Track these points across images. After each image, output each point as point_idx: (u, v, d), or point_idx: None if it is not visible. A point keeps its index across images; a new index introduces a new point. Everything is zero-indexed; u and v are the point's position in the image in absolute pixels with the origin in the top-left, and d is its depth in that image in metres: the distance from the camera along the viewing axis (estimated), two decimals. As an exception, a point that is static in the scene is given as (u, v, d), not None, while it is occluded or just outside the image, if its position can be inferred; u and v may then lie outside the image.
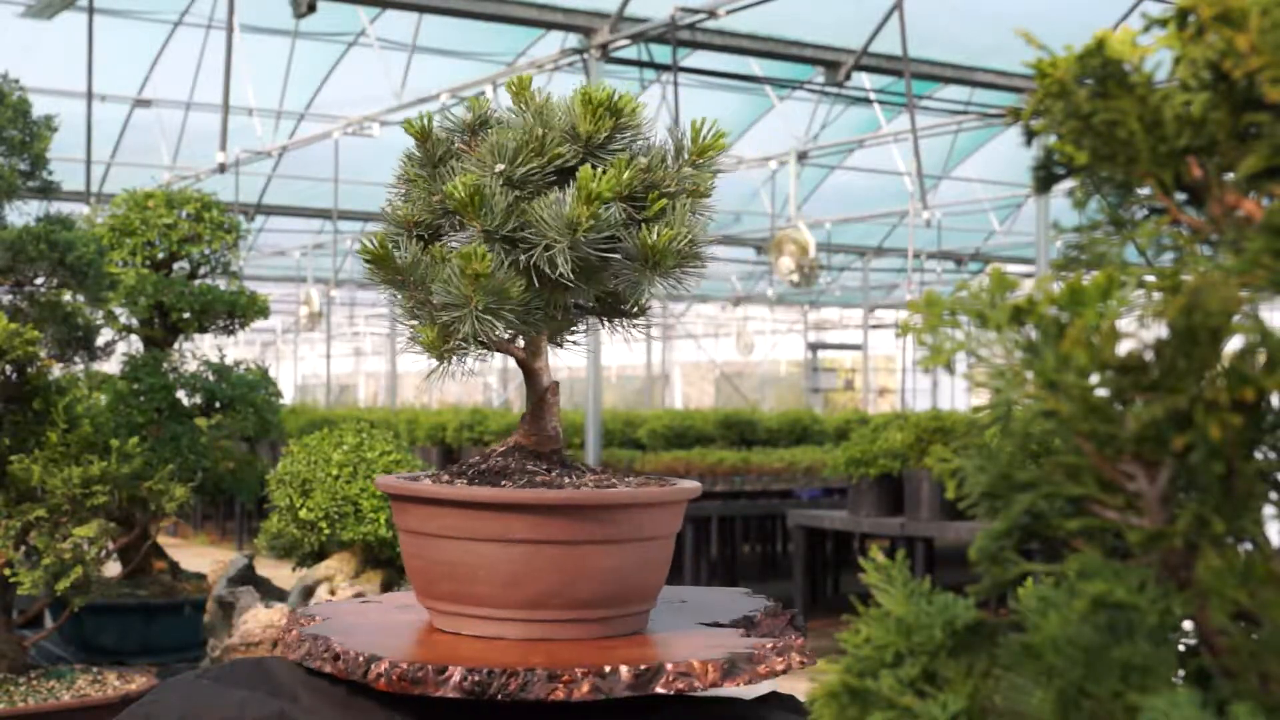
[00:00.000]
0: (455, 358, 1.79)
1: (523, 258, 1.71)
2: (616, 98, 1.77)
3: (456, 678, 1.58)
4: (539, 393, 1.88)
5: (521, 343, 1.88)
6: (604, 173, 1.70)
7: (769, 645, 1.71)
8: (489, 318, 1.69)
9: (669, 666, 1.61)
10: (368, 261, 1.79)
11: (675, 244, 1.71)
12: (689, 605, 2.01)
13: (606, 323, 1.90)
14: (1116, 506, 0.81)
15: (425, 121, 1.84)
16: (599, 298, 1.85)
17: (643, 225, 1.72)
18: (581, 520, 1.73)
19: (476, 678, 1.58)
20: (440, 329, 1.74)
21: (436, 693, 1.58)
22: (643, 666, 1.60)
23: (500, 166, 1.74)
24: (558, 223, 1.68)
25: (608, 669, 1.59)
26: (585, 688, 1.58)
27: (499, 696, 1.57)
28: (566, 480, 1.81)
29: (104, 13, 10.72)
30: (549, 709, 1.66)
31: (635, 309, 1.89)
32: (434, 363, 1.79)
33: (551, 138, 1.76)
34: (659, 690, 1.60)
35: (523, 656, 1.65)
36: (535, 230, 1.70)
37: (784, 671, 1.70)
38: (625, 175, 1.71)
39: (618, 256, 1.73)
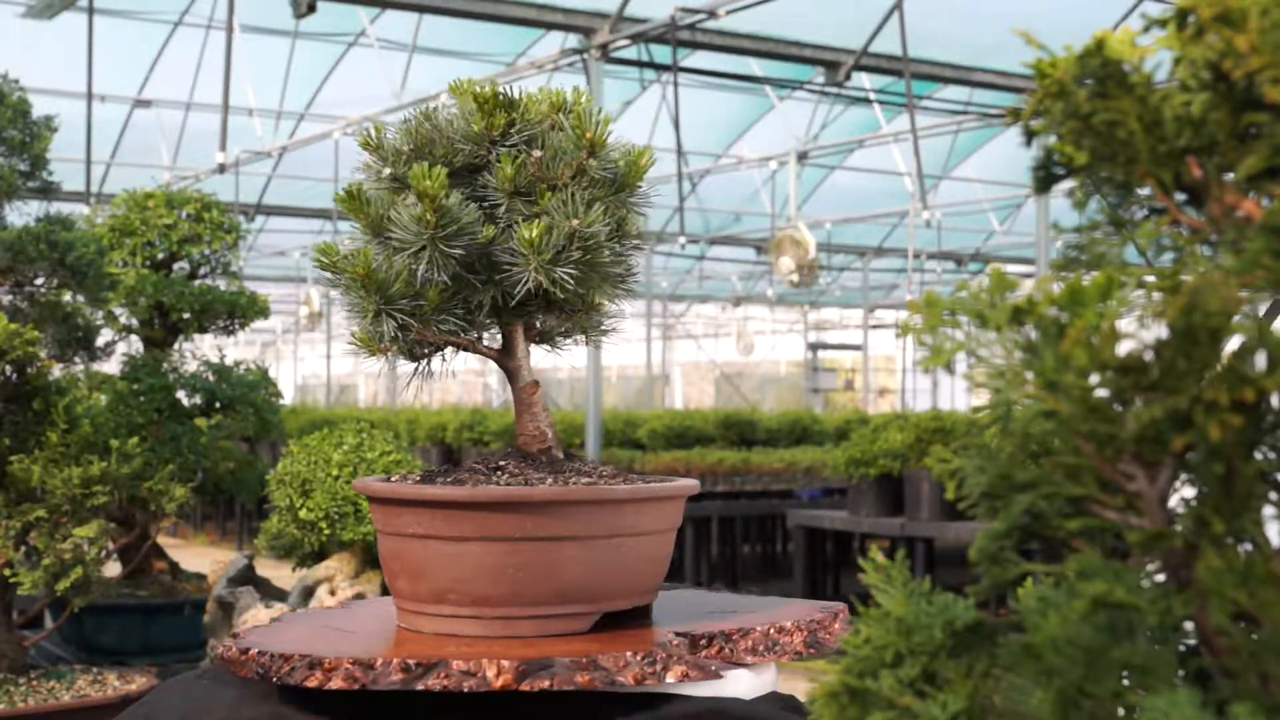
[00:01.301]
0: (392, 356, 1.84)
1: (397, 258, 1.73)
2: (506, 93, 1.78)
3: (395, 669, 1.61)
4: (517, 393, 1.90)
5: (498, 343, 1.89)
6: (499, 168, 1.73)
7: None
8: (388, 317, 1.75)
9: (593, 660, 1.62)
10: (320, 267, 1.84)
11: (551, 239, 1.70)
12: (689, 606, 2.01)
13: (545, 322, 1.90)
14: (1116, 506, 0.81)
15: (378, 134, 1.86)
16: (544, 298, 1.82)
17: (521, 221, 1.73)
18: (536, 517, 1.72)
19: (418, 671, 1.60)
20: (364, 329, 1.80)
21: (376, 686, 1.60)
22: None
23: (387, 170, 1.78)
24: (412, 223, 1.70)
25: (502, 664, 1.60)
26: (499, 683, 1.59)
27: (437, 688, 1.59)
28: (536, 477, 1.80)
29: (104, 13, 10.72)
30: (536, 706, 1.66)
31: (582, 308, 1.86)
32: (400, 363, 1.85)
33: (442, 139, 1.77)
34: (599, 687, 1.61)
35: (438, 647, 1.68)
36: (400, 231, 1.73)
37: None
38: (510, 170, 1.72)
39: (509, 255, 1.74)
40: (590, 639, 1.72)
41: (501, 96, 1.78)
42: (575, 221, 1.70)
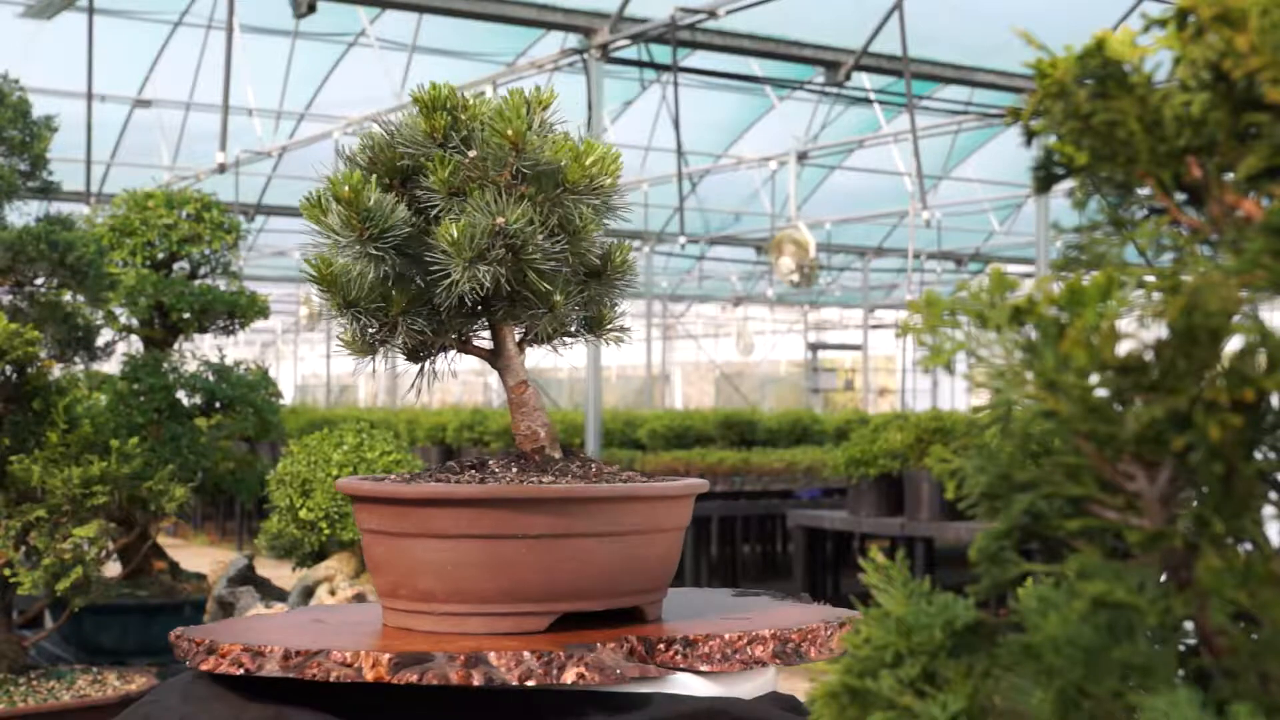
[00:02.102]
0: (389, 356, 1.89)
1: (341, 257, 1.79)
2: (446, 93, 1.79)
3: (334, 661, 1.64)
4: (508, 393, 1.91)
5: (489, 344, 1.91)
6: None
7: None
8: (354, 317, 1.82)
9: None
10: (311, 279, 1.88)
11: (474, 238, 1.71)
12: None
13: (540, 323, 1.91)
14: (1116, 507, 0.81)
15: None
16: (510, 297, 1.83)
17: (444, 220, 1.75)
18: (471, 513, 1.73)
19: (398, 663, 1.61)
20: (350, 331, 1.86)
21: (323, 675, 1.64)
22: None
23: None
24: (339, 225, 1.75)
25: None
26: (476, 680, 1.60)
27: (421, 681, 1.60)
28: (515, 475, 1.81)
29: (104, 13, 10.72)
30: (536, 705, 1.67)
31: (546, 307, 1.85)
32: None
33: (389, 145, 1.80)
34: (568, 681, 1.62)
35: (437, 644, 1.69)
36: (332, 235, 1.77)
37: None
38: (443, 172, 1.75)
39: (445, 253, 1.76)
40: (546, 638, 1.71)
41: (457, 98, 1.80)
42: (500, 220, 1.71)
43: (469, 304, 1.80)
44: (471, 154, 1.76)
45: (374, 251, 1.74)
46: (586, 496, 1.75)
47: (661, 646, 1.70)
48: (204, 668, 1.71)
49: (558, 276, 1.81)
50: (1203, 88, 0.85)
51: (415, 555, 1.76)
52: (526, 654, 1.62)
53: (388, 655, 1.60)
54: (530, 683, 1.60)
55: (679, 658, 1.70)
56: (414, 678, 1.59)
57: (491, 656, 1.60)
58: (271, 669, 1.65)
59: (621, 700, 1.67)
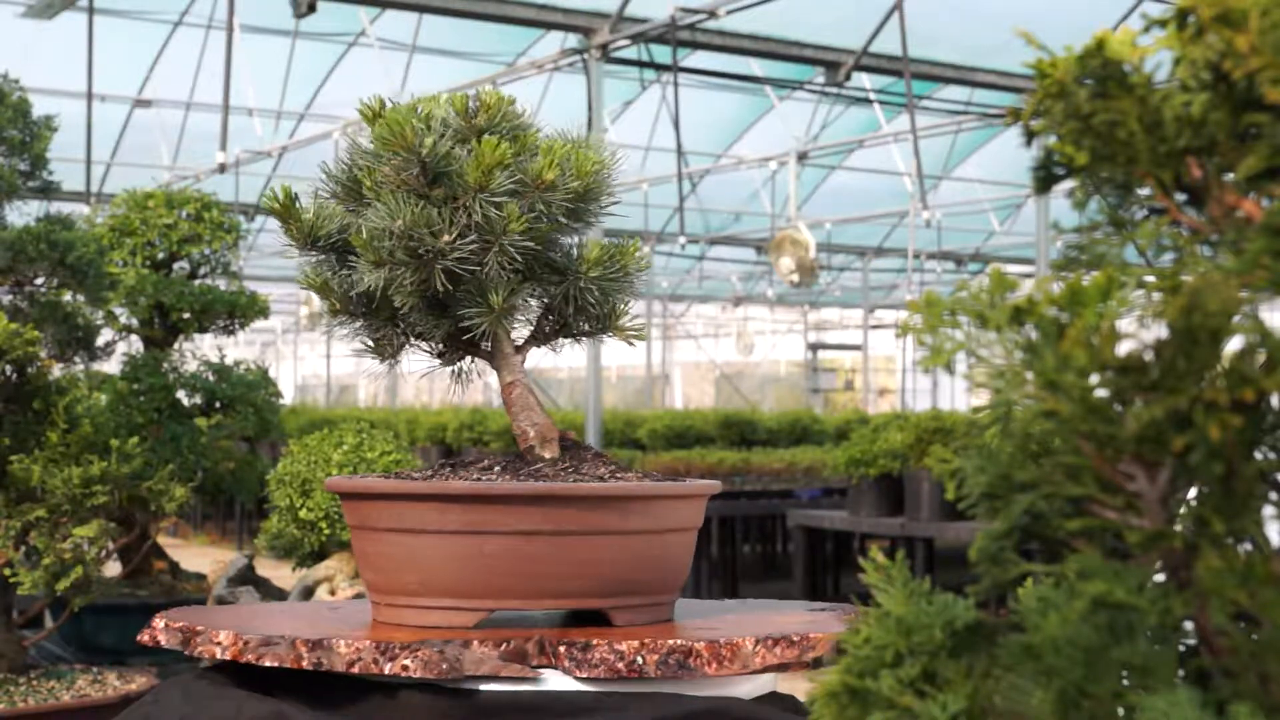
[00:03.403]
0: (404, 354, 1.96)
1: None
2: (378, 105, 1.90)
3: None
4: (501, 392, 1.92)
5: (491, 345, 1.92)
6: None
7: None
8: (351, 319, 1.92)
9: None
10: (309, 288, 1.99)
11: (373, 239, 1.77)
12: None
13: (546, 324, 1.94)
14: (1116, 507, 0.81)
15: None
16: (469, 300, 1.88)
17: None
18: (409, 508, 1.77)
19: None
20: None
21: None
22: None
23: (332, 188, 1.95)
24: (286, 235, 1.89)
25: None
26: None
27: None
28: (499, 473, 1.83)
29: (104, 13, 10.72)
30: (536, 705, 1.67)
31: (485, 306, 1.86)
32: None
33: (360, 155, 1.91)
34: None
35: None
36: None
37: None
38: (369, 180, 1.82)
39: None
40: (478, 632, 1.73)
41: (400, 109, 1.88)
42: (398, 222, 1.75)
43: (414, 305, 1.84)
44: (389, 162, 1.82)
45: (316, 256, 1.86)
46: (522, 494, 1.76)
47: (563, 649, 1.69)
48: (142, 638, 1.81)
49: (485, 278, 1.81)
50: (1203, 88, 0.85)
51: (357, 547, 1.84)
52: (366, 643, 1.67)
53: (238, 635, 1.73)
54: (372, 671, 1.67)
55: (569, 662, 1.68)
56: (269, 661, 1.69)
57: (334, 643, 1.68)
58: (170, 643, 1.78)
59: (622, 700, 1.67)
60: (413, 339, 1.92)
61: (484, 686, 1.67)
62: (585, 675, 1.67)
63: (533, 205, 1.80)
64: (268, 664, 1.69)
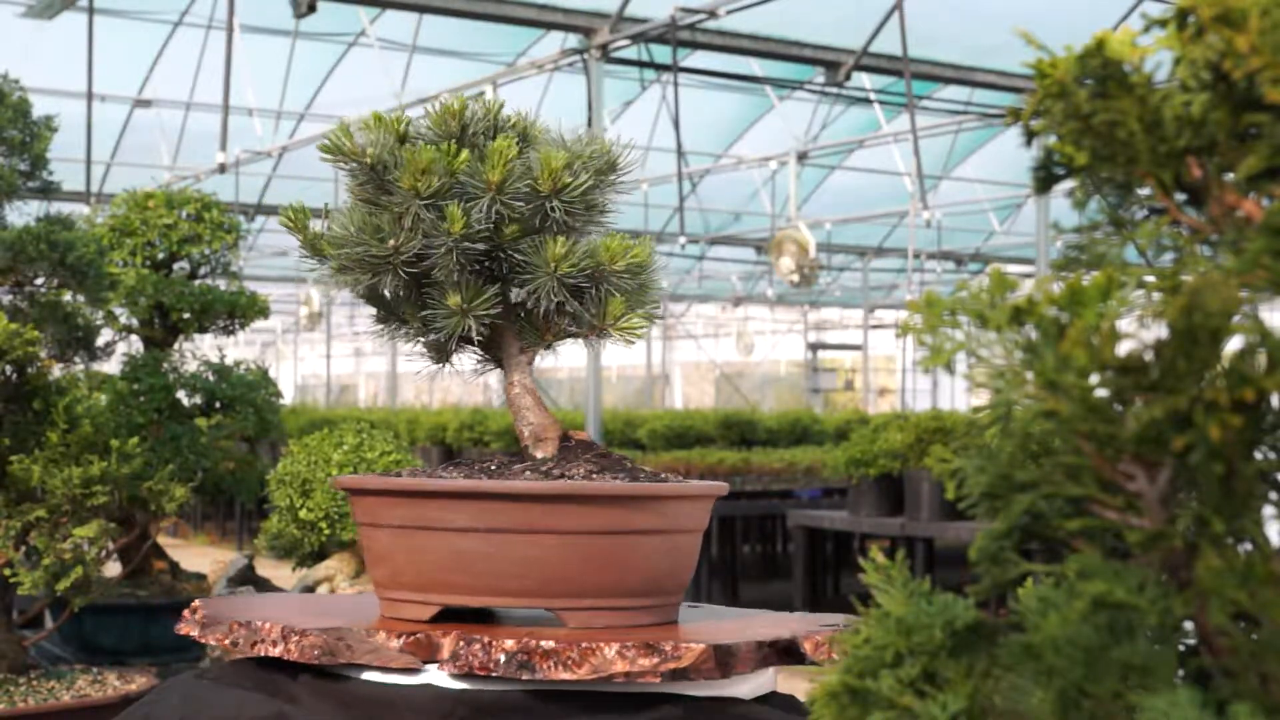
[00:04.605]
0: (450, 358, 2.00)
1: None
2: (373, 118, 1.92)
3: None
4: (505, 392, 1.95)
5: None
6: None
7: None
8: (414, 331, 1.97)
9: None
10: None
11: (334, 244, 1.87)
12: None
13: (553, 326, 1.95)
14: (1116, 507, 0.81)
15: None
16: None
17: None
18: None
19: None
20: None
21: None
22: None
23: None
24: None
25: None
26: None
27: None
28: (491, 471, 1.85)
29: (104, 13, 10.72)
30: (536, 705, 1.67)
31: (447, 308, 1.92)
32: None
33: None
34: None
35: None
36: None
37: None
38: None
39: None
40: (432, 626, 1.76)
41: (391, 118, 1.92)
42: (350, 230, 1.86)
43: (417, 307, 1.93)
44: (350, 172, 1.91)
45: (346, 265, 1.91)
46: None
47: (446, 644, 1.70)
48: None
49: (444, 281, 1.87)
50: (1203, 88, 0.85)
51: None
52: (278, 629, 1.73)
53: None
54: (257, 650, 1.75)
55: (447, 656, 1.69)
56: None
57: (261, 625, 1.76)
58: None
59: (622, 700, 1.67)
60: (421, 340, 1.96)
61: (363, 675, 1.72)
62: (450, 672, 1.69)
63: (487, 207, 1.81)
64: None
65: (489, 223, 1.82)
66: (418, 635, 1.70)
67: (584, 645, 1.64)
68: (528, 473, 1.83)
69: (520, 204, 1.82)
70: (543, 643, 1.64)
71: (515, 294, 1.90)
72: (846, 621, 1.77)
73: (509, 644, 1.65)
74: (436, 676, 1.70)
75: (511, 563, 1.75)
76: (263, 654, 1.75)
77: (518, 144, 1.86)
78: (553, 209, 1.83)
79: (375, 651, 1.69)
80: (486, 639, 1.67)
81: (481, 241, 1.82)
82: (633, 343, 1.96)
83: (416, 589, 1.80)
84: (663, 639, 1.67)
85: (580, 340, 1.97)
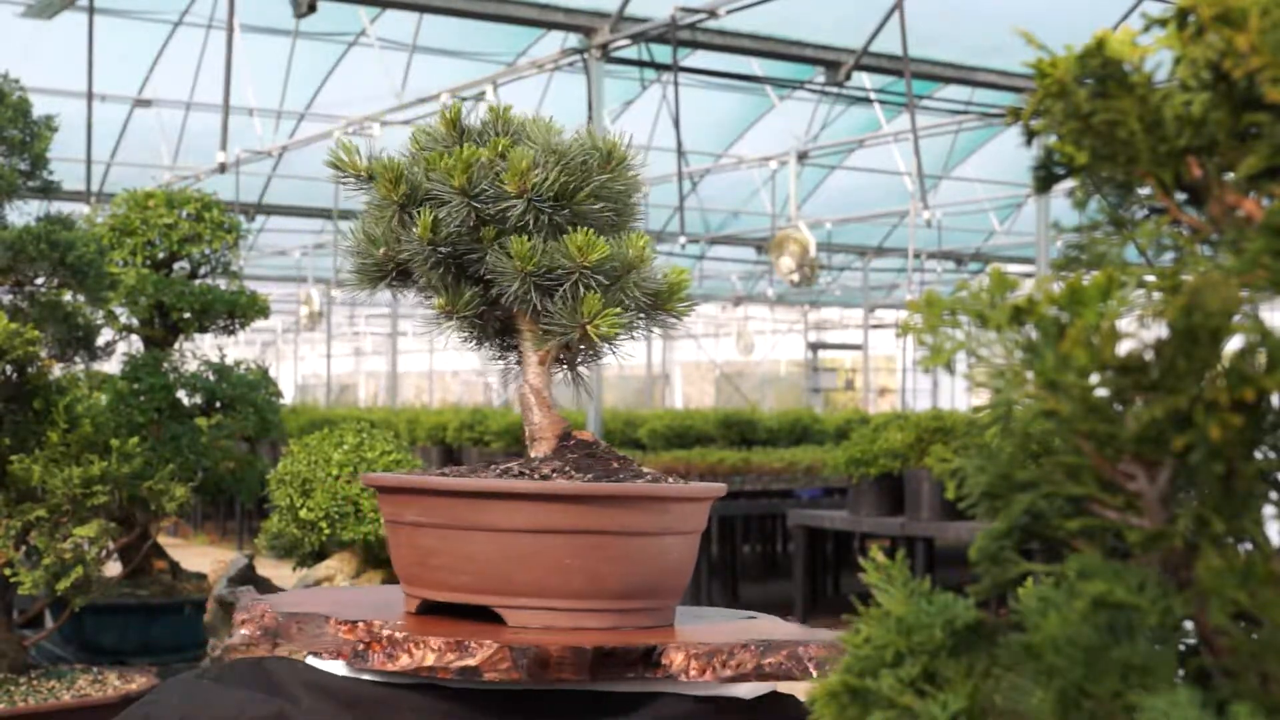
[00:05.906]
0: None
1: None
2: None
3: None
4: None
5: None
6: None
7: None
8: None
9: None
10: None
11: (353, 251, 2.00)
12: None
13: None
14: (1116, 506, 0.81)
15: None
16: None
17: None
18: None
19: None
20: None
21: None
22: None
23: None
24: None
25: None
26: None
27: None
28: (488, 471, 1.87)
29: (104, 13, 10.72)
30: (536, 705, 1.67)
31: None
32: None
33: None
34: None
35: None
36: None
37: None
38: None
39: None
40: (420, 620, 1.77)
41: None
42: (360, 236, 1.96)
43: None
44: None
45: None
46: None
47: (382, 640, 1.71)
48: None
49: (428, 283, 1.94)
50: (1203, 87, 0.85)
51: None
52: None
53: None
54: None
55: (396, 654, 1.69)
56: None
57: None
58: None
59: (622, 700, 1.67)
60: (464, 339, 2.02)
61: (324, 666, 1.75)
62: (357, 667, 1.71)
63: (455, 211, 1.83)
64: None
65: (462, 226, 1.83)
66: (368, 630, 1.74)
67: (401, 639, 1.68)
68: (510, 471, 1.84)
69: (489, 206, 1.83)
70: (376, 640, 1.69)
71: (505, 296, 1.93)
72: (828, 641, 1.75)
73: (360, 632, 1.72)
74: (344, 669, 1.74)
75: (457, 557, 1.76)
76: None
77: (513, 142, 1.88)
78: (525, 209, 1.84)
79: (317, 641, 1.76)
80: (395, 636, 1.69)
81: (460, 244, 1.85)
82: (612, 343, 1.96)
83: (406, 582, 1.86)
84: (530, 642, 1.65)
85: (568, 339, 1.94)
